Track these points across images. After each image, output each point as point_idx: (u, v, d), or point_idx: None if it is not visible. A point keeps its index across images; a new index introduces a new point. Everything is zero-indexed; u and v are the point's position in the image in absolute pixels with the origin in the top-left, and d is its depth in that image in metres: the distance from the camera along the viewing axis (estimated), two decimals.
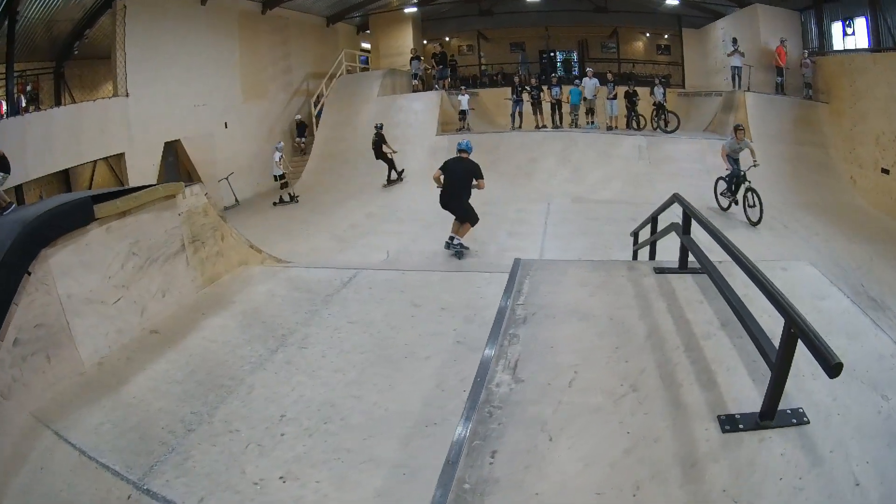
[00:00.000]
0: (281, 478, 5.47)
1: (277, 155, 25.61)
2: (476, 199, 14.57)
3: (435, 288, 8.57)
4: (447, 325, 7.27)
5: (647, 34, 40.42)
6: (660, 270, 7.40)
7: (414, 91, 31.41)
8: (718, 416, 4.60)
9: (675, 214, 8.28)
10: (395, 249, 15.98)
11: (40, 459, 5.87)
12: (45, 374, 6.75)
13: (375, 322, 7.67)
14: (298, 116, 31.84)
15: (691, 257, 7.09)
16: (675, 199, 8.06)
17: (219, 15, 27.09)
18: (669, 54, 38.99)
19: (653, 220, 9.93)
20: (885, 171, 20.54)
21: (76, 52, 24.63)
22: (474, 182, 14.61)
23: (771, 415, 4.49)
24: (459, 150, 14.94)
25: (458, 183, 14.55)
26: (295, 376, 6.71)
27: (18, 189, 19.28)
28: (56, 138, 19.83)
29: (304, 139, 31.62)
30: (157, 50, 23.34)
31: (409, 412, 6.03)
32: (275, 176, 25.85)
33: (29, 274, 6.84)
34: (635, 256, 11.68)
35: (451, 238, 14.90)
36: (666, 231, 8.68)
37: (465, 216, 14.90)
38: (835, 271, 13.66)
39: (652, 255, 9.76)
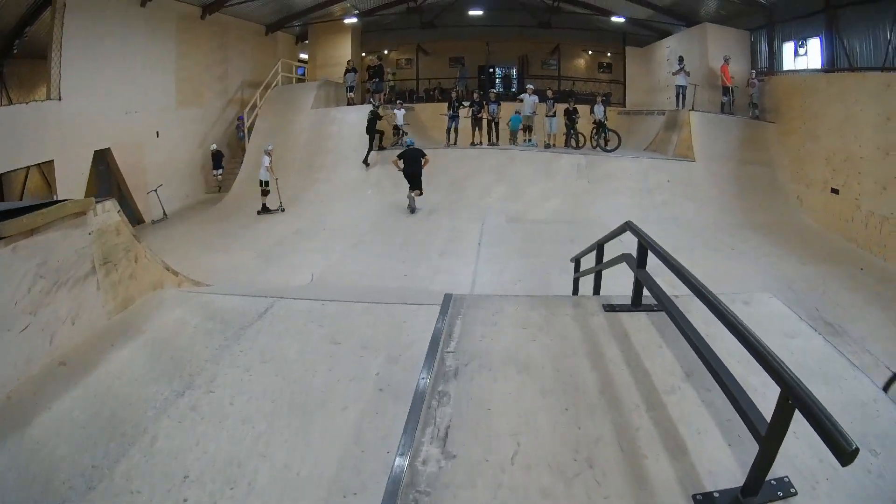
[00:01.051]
0: None
1: (266, 159, 24.90)
2: (409, 217, 14.05)
3: (356, 321, 7.82)
4: (368, 368, 6.56)
5: (590, 51, 41.19)
6: (609, 308, 6.87)
7: (349, 104, 31.12)
8: (694, 496, 4.04)
9: (621, 241, 8.02)
10: (321, 270, 15.48)
11: None
12: None
13: (289, 362, 6.96)
14: (214, 146, 30.32)
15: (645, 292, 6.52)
16: (628, 227, 7.42)
17: (158, 17, 26.61)
18: (611, 72, 39.90)
19: (598, 247, 9.46)
20: (835, 192, 20.70)
21: (16, 51, 23.90)
22: (423, 160, 23.07)
23: (755, 490, 3.93)
24: (408, 146, 23.89)
25: (414, 162, 22.96)
26: (200, 426, 6.00)
27: None
28: None
29: (220, 172, 30.12)
30: (95, 51, 22.77)
31: (323, 476, 5.31)
32: (260, 181, 24.99)
33: None
34: (576, 285, 11.33)
35: (412, 199, 23.19)
36: (615, 262, 8.17)
37: (420, 183, 23.04)
38: (788, 295, 13.38)
39: (597, 287, 9.33)
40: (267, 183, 25.19)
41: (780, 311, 6.86)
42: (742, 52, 28.77)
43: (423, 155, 23.25)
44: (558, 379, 5.49)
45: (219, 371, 6.90)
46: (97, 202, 8.77)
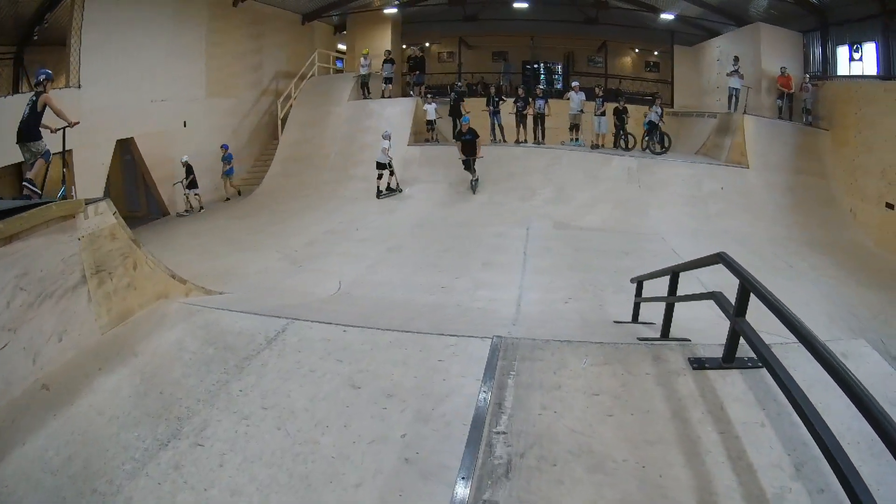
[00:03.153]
0: None
1: (386, 143, 24.20)
2: (450, 220, 13.00)
3: (382, 356, 6.61)
4: (393, 426, 5.33)
5: (637, 50, 39.81)
6: (697, 364, 5.66)
7: (383, 96, 30.11)
8: None
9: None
10: (351, 278, 14.04)
11: None
12: None
13: (296, 411, 5.76)
14: (185, 158, 25.15)
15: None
16: (722, 261, 6.05)
17: (187, 3, 25.72)
18: (658, 71, 38.60)
19: (673, 275, 8.15)
20: (890, 206, 19.51)
21: (36, 38, 23.30)
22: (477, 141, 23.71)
23: None
24: (464, 124, 23.98)
25: (470, 143, 23.49)
26: (180, 494, 4.90)
27: None
28: (2, 129, 18.13)
29: (193, 191, 25.25)
30: (117, 38, 22.04)
31: None
32: (378, 163, 24.32)
33: None
34: (637, 310, 10.29)
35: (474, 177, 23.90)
36: (697, 297, 7.05)
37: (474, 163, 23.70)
38: (853, 323, 12.55)
39: (667, 322, 8.18)
40: (384, 166, 24.47)
41: (882, 369, 5.67)
42: (794, 56, 27.44)
43: (477, 136, 23.71)
44: (644, 481, 4.34)
45: (211, 417, 5.84)
46: (88, 203, 8.00)
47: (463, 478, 4.39)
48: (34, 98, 12.29)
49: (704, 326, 9.07)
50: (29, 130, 11.60)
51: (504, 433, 4.79)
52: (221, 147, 25.57)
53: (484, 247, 17.45)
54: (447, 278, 14.20)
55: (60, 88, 20.43)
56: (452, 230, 15.77)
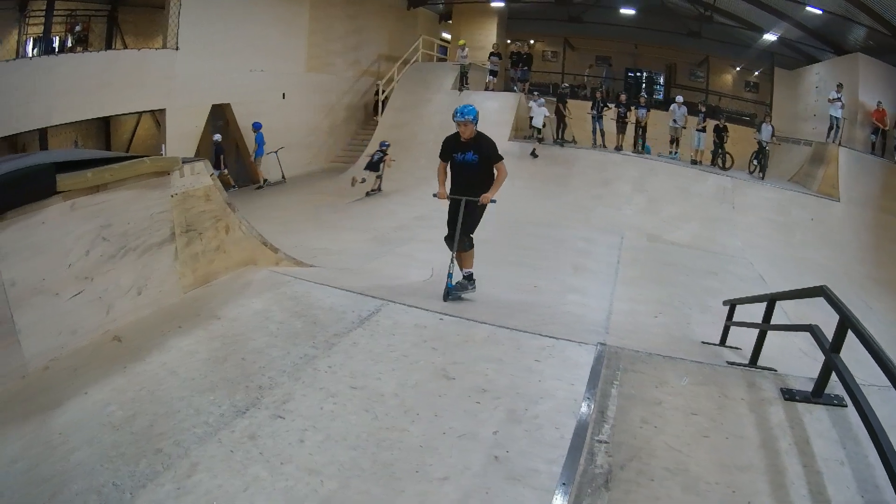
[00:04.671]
0: None
1: (545, 110, 25.53)
2: (541, 221, 12.73)
3: (477, 351, 6.41)
4: (484, 422, 5.12)
5: (738, 68, 39.02)
6: (788, 395, 5.55)
7: (486, 89, 29.98)
8: None
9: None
10: (439, 268, 13.13)
11: None
12: None
13: (386, 396, 5.55)
14: (217, 136, 23.91)
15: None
16: (824, 295, 5.93)
17: None
18: (757, 92, 37.68)
19: (770, 302, 7.98)
20: None
21: None
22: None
23: None
24: (463, 120, 9.83)
25: (470, 172, 10.26)
26: (253, 466, 4.67)
27: (42, 133, 18.71)
28: (88, 84, 18.83)
29: (223, 171, 23.53)
30: (217, 4, 22.34)
31: None
32: (534, 126, 25.75)
33: None
34: (726, 333, 10.12)
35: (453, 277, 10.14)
36: (793, 328, 7.28)
37: (472, 229, 10.66)
38: None
39: (757, 350, 8.11)
40: (539, 130, 25.44)
41: None
42: (891, 91, 26.41)
43: (494, 156, 10.55)
44: None
45: (295, 391, 5.68)
46: (185, 162, 7.96)
47: (564, 483, 4.26)
48: None
49: (775, 354, 8.95)
50: None
51: (606, 442, 4.65)
52: (252, 126, 24.81)
53: (574, 251, 17.22)
54: (537, 279, 13.98)
55: (157, 49, 21.05)
56: (542, 230, 15.62)
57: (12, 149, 20.31)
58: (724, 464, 4.61)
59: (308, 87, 28.14)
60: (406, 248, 15.72)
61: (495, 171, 10.26)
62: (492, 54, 31.22)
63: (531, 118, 26.38)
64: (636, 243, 18.93)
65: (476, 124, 10.04)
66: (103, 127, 24.45)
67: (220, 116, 24.18)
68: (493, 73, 30.82)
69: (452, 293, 9.85)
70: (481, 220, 10.67)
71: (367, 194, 23.29)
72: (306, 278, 8.72)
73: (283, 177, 25.75)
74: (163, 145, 21.39)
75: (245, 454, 4.80)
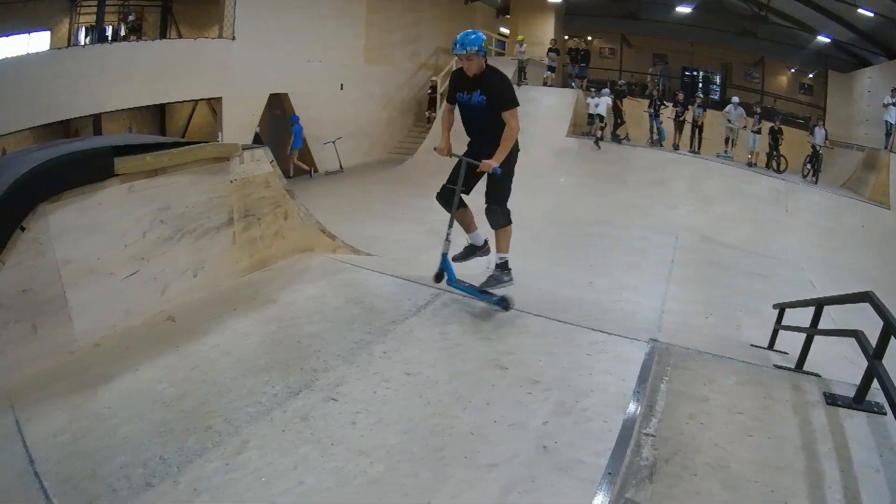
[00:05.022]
0: None
1: (608, 100, 26.58)
2: (595, 217, 12.83)
3: (530, 342, 6.46)
4: (535, 412, 5.16)
5: (793, 70, 38.66)
6: (831, 400, 5.55)
7: (544, 85, 30.07)
8: None
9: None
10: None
11: None
12: (28, 345, 5.91)
13: (439, 383, 5.64)
14: (257, 129, 24.22)
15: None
16: (869, 299, 6.01)
17: None
18: (811, 95, 37.17)
19: (818, 306, 8.13)
20: None
21: None
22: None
23: None
24: (465, 52, 7.36)
25: (482, 126, 7.87)
26: (303, 446, 4.77)
27: (96, 119, 19.07)
28: (142, 72, 19.35)
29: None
30: None
31: None
32: (596, 115, 26.35)
33: (22, 230, 5.95)
34: (775, 336, 10.16)
35: (473, 250, 8.58)
36: (838, 333, 7.25)
37: (499, 196, 7.95)
38: None
39: (804, 355, 8.17)
40: (602, 118, 25.65)
41: None
42: None
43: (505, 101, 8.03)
44: None
45: (349, 375, 5.78)
46: (245, 149, 8.20)
47: (609, 473, 4.30)
48: None
49: (820, 360, 8.90)
50: None
51: (653, 436, 4.70)
52: (290, 119, 24.99)
53: (629, 249, 17.27)
54: (590, 275, 14.08)
55: (213, 38, 21.44)
56: (598, 228, 15.60)
57: (66, 134, 20.72)
58: (765, 463, 4.63)
59: (365, 79, 28.33)
60: (462, 241, 15.67)
61: (509, 127, 7.48)
62: (550, 50, 31.24)
63: (590, 112, 26.58)
64: (689, 243, 18.84)
65: (485, 58, 7.43)
66: (158, 114, 24.84)
67: (278, 106, 24.47)
68: (551, 68, 30.79)
69: (482, 290, 7.49)
70: (510, 189, 7.89)
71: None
72: (363, 266, 8.87)
73: (341, 166, 26.11)
74: (219, 133, 21.70)
75: (296, 434, 4.89)
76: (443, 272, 7.80)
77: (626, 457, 4.42)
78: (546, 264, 13.30)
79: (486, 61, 7.44)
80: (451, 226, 7.89)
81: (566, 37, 38.56)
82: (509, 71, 28.50)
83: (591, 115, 27.04)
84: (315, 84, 25.38)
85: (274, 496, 4.33)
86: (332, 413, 5.14)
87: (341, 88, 26.93)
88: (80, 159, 6.20)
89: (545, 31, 35.36)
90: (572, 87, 29.42)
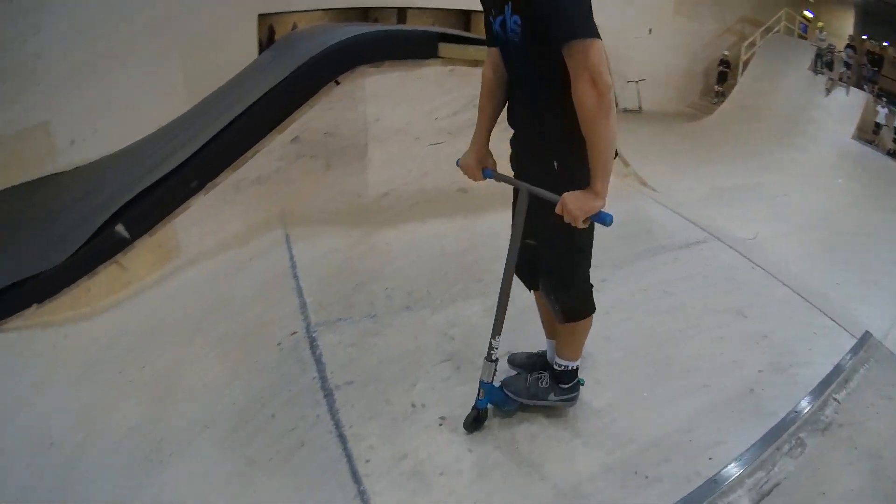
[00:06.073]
0: None
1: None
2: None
3: (765, 301, 6.66)
4: (755, 360, 5.56)
5: None
6: None
7: (840, 80, 28.37)
8: None
9: None
10: (766, 234, 12.86)
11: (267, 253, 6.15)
12: (316, 181, 6.86)
13: (686, 307, 6.16)
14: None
15: None
16: None
17: None
18: None
19: None
20: None
21: None
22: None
23: None
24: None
25: (523, 85, 3.74)
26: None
27: (401, 13, 20.18)
28: None
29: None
30: None
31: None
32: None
33: (337, 83, 6.76)
34: None
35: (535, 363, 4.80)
36: None
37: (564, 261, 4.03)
38: None
39: None
40: None
41: None
42: None
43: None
44: None
45: (615, 277, 6.47)
46: None
47: (803, 401, 4.76)
48: None
49: None
50: None
51: (838, 402, 4.87)
52: None
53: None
54: (844, 276, 13.55)
55: None
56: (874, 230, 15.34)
57: (364, 20, 21.53)
58: None
59: (674, 30, 28.73)
60: (733, 211, 15.49)
61: (578, 93, 3.19)
62: (847, 46, 30.23)
63: (877, 121, 25.54)
64: None
65: None
66: (462, 18, 25.39)
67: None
68: (847, 65, 29.56)
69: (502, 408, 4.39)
70: (590, 243, 4.06)
71: None
72: (647, 195, 9.33)
73: (640, 107, 26.89)
74: None
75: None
76: (479, 414, 4.26)
77: (816, 399, 4.78)
78: (811, 256, 13.78)
79: None
80: (498, 329, 4.10)
81: (864, 36, 36.17)
82: (806, 59, 28.10)
83: (877, 124, 25.96)
84: (626, 22, 25.78)
85: None
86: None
87: (649, 33, 27.51)
88: (409, 37, 6.99)
89: (842, 24, 33.76)
90: (864, 90, 27.90)
